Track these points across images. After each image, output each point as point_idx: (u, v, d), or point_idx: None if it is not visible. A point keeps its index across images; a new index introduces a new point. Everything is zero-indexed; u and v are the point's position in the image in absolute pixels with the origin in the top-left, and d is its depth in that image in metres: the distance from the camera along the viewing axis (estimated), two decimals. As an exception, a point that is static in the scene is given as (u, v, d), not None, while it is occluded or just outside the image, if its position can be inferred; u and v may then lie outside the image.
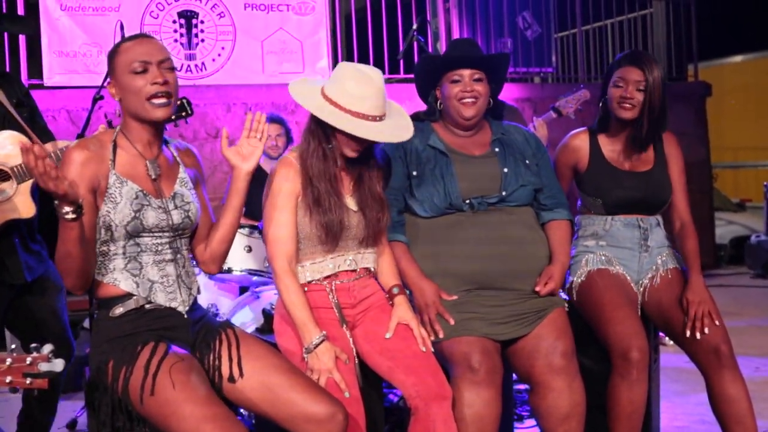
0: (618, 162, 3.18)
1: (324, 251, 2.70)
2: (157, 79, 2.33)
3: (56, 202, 2.13)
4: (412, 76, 3.16)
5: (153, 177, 2.41)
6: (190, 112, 3.06)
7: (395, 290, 2.81)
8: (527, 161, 3.02)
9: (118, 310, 2.35)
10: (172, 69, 2.40)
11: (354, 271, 2.76)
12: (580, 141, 3.22)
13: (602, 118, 3.21)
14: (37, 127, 3.16)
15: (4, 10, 3.12)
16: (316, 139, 2.67)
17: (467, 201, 2.89)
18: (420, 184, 2.93)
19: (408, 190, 2.95)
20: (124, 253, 2.36)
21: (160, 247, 2.40)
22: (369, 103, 2.58)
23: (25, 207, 2.98)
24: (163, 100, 2.35)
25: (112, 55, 2.39)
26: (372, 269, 2.82)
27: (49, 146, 3.13)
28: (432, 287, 2.83)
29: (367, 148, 2.67)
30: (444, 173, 2.92)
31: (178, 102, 3.02)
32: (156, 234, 2.39)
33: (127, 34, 3.56)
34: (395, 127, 2.66)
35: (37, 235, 3.22)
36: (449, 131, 3.04)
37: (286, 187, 2.66)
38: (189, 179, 2.53)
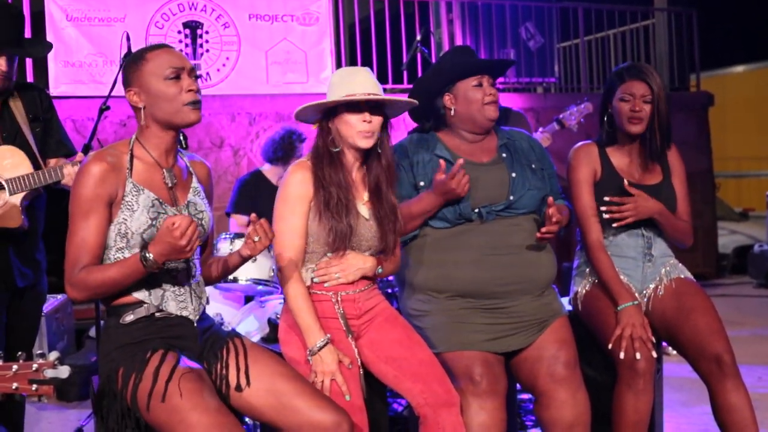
0: (628, 174, 3.17)
1: (332, 258, 2.71)
2: (192, 86, 2.40)
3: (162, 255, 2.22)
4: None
5: (170, 185, 2.43)
6: (184, 146, 3.14)
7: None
8: (533, 166, 3.04)
9: (129, 318, 2.36)
10: (198, 77, 2.47)
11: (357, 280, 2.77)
12: (592, 151, 3.20)
13: (609, 133, 3.20)
14: (51, 142, 3.21)
15: (28, 32, 3.18)
16: (324, 146, 2.71)
17: (476, 210, 2.91)
18: None
19: None
20: None
21: None
22: (358, 80, 2.67)
23: (12, 218, 3.04)
24: (198, 105, 2.42)
25: (136, 63, 2.41)
26: (375, 281, 2.84)
27: (52, 163, 3.18)
28: None
29: (380, 151, 2.73)
30: None
31: None
32: None
33: (133, 45, 3.62)
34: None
35: (41, 243, 3.26)
36: (457, 138, 3.04)
37: (299, 191, 2.68)
38: (201, 189, 2.56)
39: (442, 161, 2.84)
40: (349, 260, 2.71)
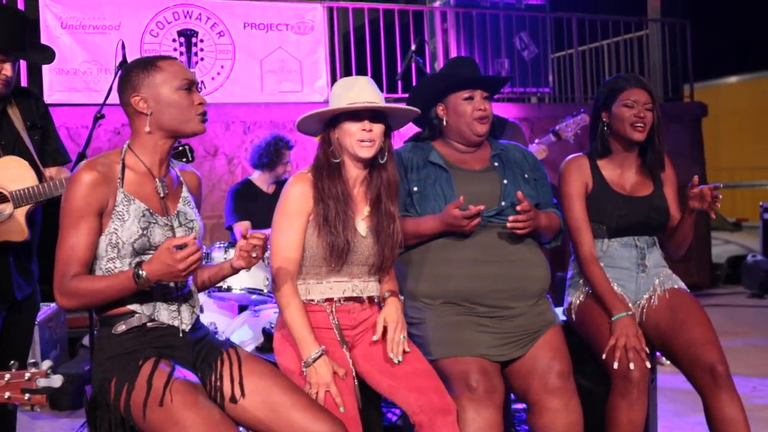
0: (620, 186, 3.19)
1: (328, 272, 2.71)
2: (202, 100, 2.44)
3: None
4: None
5: (162, 195, 2.43)
6: (190, 159, 3.12)
7: (387, 294, 2.80)
8: (526, 175, 3.05)
9: (121, 328, 2.36)
10: (199, 91, 2.51)
11: (358, 299, 2.75)
12: (583, 164, 3.21)
13: (603, 143, 3.20)
14: (48, 150, 3.18)
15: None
16: (325, 157, 2.71)
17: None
18: (421, 201, 2.95)
19: (410, 205, 2.97)
20: None
21: None
22: (357, 88, 2.67)
23: (18, 230, 3.01)
24: (206, 117, 2.46)
25: (146, 69, 2.40)
26: (375, 299, 2.82)
27: (53, 171, 3.16)
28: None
29: (382, 162, 2.72)
30: (444, 189, 2.94)
31: (180, 147, 3.09)
32: None
33: (128, 53, 3.62)
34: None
35: (34, 256, 3.24)
36: (450, 147, 3.06)
37: (298, 203, 2.68)
38: (191, 199, 2.55)
39: (462, 197, 2.81)
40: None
